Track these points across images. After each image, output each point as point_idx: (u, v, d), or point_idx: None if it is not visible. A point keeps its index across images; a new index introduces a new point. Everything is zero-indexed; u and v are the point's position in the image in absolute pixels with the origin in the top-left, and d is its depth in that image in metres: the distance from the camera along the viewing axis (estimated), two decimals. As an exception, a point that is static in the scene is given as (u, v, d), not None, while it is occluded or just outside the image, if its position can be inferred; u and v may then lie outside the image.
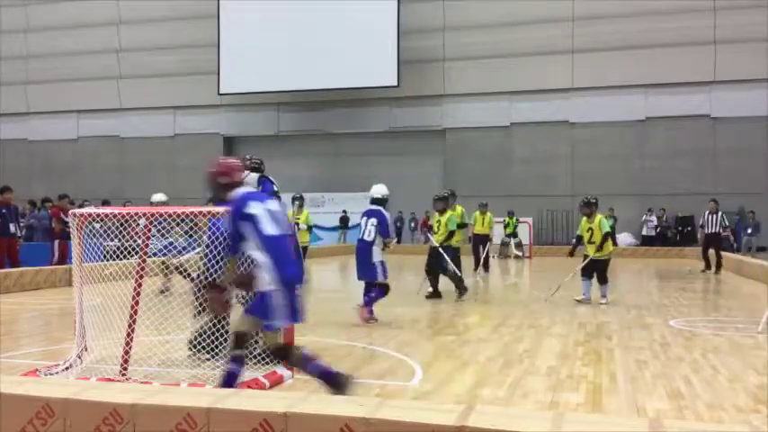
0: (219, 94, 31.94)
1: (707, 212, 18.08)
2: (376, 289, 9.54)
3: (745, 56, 26.51)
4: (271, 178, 7.07)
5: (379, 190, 9.87)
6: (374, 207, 9.75)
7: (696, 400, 5.44)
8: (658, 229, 27.71)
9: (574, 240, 12.16)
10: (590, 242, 11.42)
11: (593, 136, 28.63)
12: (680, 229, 26.89)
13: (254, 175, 7.04)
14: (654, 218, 27.73)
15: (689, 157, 27.61)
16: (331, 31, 29.99)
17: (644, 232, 27.89)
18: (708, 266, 18.27)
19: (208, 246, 6.36)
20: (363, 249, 9.59)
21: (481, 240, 18.47)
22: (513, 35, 28.91)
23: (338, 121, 31.40)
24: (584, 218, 11.52)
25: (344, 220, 30.29)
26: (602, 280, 11.42)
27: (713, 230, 17.89)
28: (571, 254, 12.09)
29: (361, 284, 9.85)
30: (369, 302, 9.46)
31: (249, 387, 5.33)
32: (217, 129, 32.86)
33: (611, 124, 28.46)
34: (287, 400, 3.86)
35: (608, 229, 11.39)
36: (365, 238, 9.59)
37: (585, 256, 11.52)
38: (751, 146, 26.62)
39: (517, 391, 5.69)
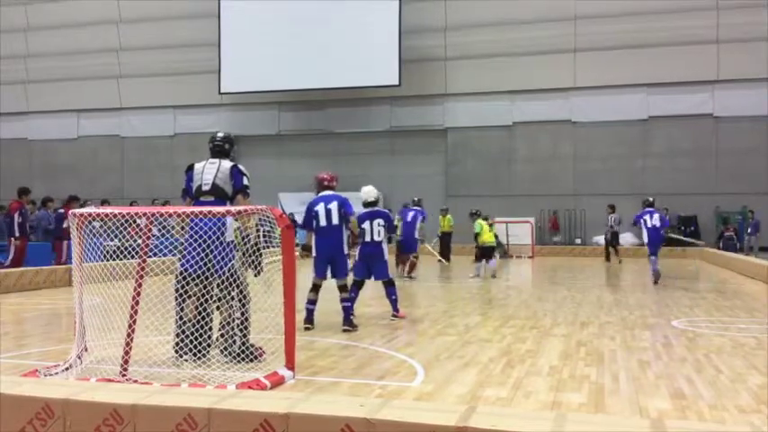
0: (220, 94, 31.87)
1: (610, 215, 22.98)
2: (391, 288, 9.73)
3: (747, 55, 26.44)
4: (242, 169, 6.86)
5: (371, 192, 9.87)
6: (375, 208, 9.76)
7: (698, 400, 5.41)
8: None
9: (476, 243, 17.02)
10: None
11: (595, 135, 28.58)
12: (682, 228, 26.80)
13: (227, 165, 6.79)
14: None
15: (691, 156, 27.56)
16: (332, 31, 29.93)
17: (646, 232, 27.79)
18: (608, 258, 23.10)
19: (191, 244, 6.33)
20: (379, 251, 9.56)
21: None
22: (515, 34, 28.83)
23: (339, 121, 31.33)
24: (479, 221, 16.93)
25: (345, 220, 30.16)
26: (489, 259, 16.84)
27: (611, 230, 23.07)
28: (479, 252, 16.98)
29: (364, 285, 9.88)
30: (395, 304, 9.74)
31: (250, 388, 5.31)
32: (217, 128, 32.53)
33: (613, 124, 28.38)
34: (288, 400, 3.84)
35: (478, 230, 16.67)
36: (376, 239, 9.52)
37: (476, 248, 16.93)
38: (753, 145, 26.55)
39: (519, 391, 5.67)
